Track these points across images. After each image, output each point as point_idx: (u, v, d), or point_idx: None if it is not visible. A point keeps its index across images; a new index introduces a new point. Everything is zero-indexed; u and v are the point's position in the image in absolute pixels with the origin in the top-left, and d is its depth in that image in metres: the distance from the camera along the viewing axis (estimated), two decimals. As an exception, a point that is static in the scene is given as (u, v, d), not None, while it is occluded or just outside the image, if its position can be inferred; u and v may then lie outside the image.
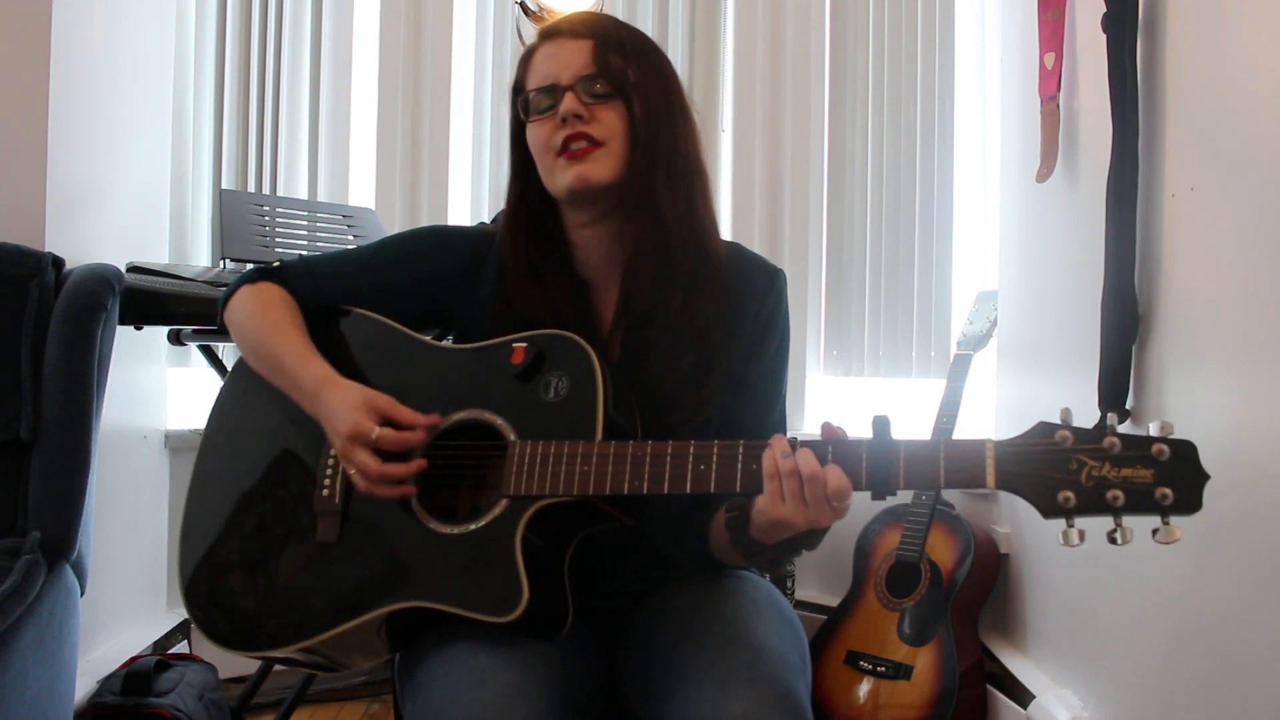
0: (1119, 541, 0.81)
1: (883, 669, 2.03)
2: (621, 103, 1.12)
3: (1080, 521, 0.82)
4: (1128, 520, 0.81)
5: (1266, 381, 1.17)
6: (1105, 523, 0.82)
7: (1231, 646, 1.24)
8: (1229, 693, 1.25)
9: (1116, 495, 0.80)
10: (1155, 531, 0.80)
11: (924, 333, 2.57)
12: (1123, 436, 0.82)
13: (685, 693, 0.97)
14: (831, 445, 0.92)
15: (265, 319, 1.18)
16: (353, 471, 1.05)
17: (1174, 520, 0.80)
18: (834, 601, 2.26)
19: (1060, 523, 0.83)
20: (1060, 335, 1.83)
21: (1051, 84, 1.76)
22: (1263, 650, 1.17)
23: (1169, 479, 0.80)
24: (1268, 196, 1.16)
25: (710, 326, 1.14)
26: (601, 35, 1.14)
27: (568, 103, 1.10)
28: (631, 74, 1.13)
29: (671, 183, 1.13)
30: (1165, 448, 0.80)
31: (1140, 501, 0.80)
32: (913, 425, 2.31)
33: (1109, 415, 0.84)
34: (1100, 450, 0.82)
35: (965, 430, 2.21)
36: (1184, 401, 1.36)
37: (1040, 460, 0.83)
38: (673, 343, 1.13)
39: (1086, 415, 1.49)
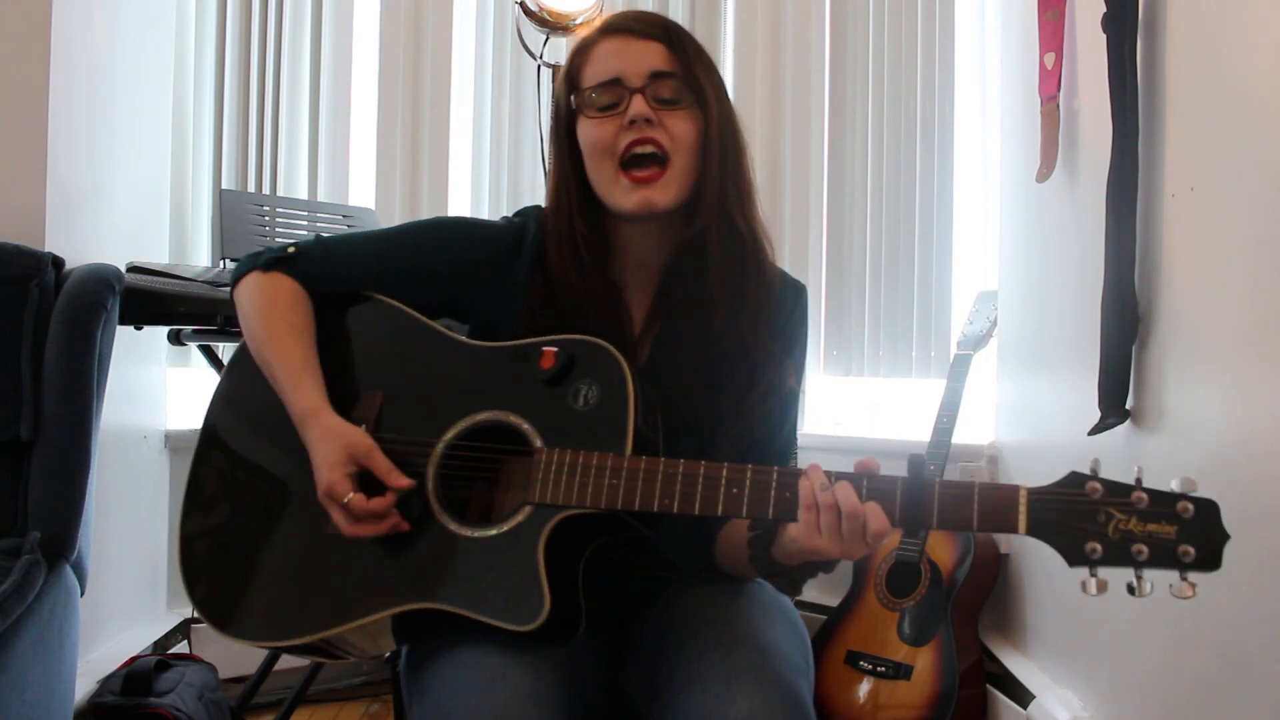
0: (1137, 594, 0.83)
1: (883, 669, 2.03)
2: (693, 112, 1.10)
3: (1102, 571, 0.85)
4: (1148, 573, 0.84)
5: (1267, 382, 1.17)
6: (1124, 573, 0.84)
7: (1232, 647, 1.24)
8: (1229, 693, 1.25)
9: (1141, 549, 0.83)
10: (1171, 586, 0.82)
11: (924, 333, 2.56)
12: (1150, 492, 0.84)
13: (690, 693, 0.97)
14: (866, 479, 0.91)
15: (267, 321, 1.16)
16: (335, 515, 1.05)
17: (1191, 576, 0.82)
18: (834, 601, 2.26)
19: (1083, 571, 0.85)
20: (1060, 335, 1.82)
21: (1051, 84, 1.76)
22: (1263, 651, 1.17)
23: (1191, 536, 0.82)
24: (1268, 196, 1.16)
25: (744, 343, 1.13)
26: (674, 39, 1.11)
27: (637, 105, 1.07)
28: (705, 83, 1.11)
29: (742, 200, 1.12)
30: (1190, 505, 0.82)
31: (1163, 557, 0.83)
32: (913, 425, 2.31)
33: (1137, 467, 0.85)
34: (1128, 504, 0.84)
35: (965, 431, 2.21)
36: (1184, 402, 1.36)
37: (1070, 511, 0.85)
38: (704, 355, 1.12)
39: (1087, 415, 1.50)
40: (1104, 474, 0.86)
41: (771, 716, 0.93)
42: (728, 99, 1.15)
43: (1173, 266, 1.40)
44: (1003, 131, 2.28)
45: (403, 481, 1.04)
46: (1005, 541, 2.17)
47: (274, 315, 1.16)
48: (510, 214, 1.27)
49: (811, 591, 2.53)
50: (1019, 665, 2.00)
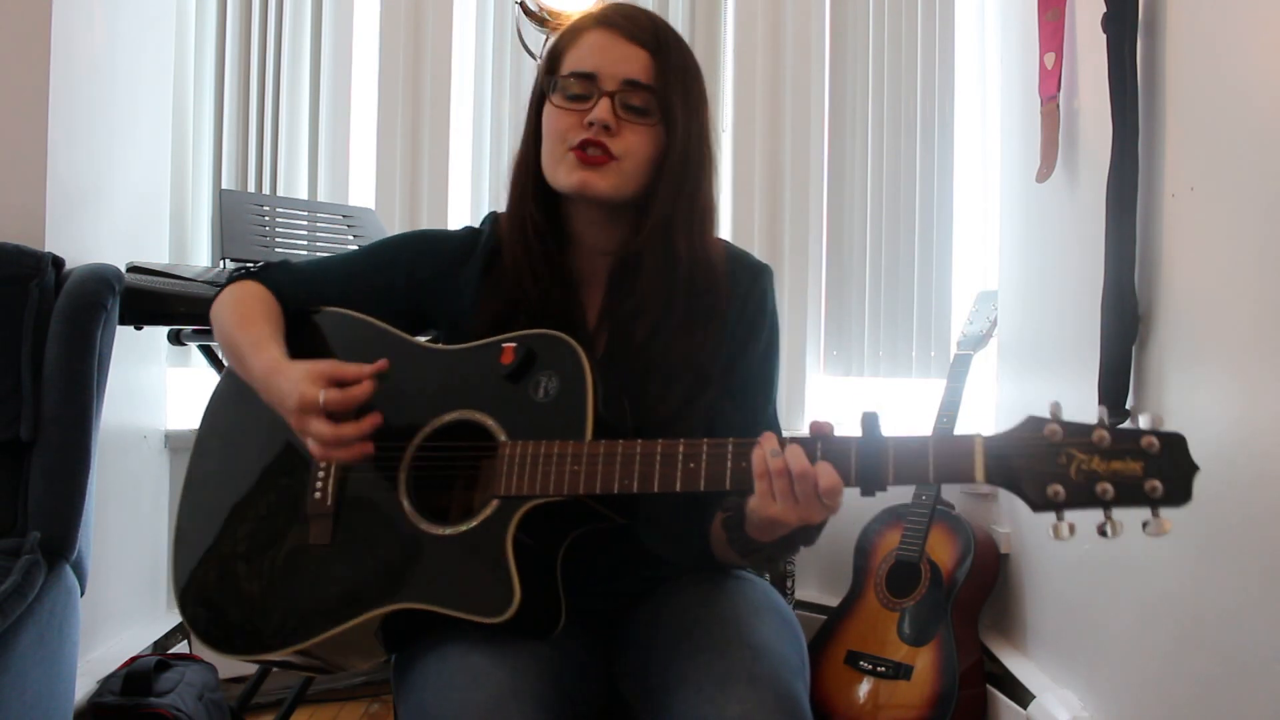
0: (1109, 534, 0.81)
1: (883, 669, 2.03)
2: (656, 130, 1.10)
3: (1070, 515, 0.82)
4: (1117, 513, 0.81)
5: (1267, 382, 1.17)
6: (1096, 516, 0.82)
7: (1233, 647, 1.24)
8: (1231, 693, 1.25)
9: (1105, 488, 0.80)
10: (1145, 524, 0.80)
11: (924, 333, 2.56)
12: (1112, 430, 0.82)
13: (684, 694, 0.97)
14: (820, 442, 0.91)
15: (235, 313, 1.18)
16: (309, 442, 1.03)
17: (1164, 512, 0.80)
18: (834, 601, 2.26)
19: (1050, 516, 0.83)
20: (1060, 335, 1.82)
21: (1051, 84, 1.76)
22: (1265, 651, 1.17)
23: (1159, 471, 0.80)
24: (1268, 196, 1.16)
25: (699, 339, 1.13)
26: (661, 51, 1.11)
27: (602, 109, 1.07)
28: (677, 106, 1.10)
29: (690, 223, 1.12)
30: (1155, 440, 0.80)
31: (1130, 494, 0.80)
32: (913, 426, 2.31)
33: (1100, 409, 0.84)
34: (1089, 444, 0.82)
35: (965, 431, 2.20)
36: (1184, 402, 1.36)
37: (1029, 454, 0.83)
38: (649, 351, 1.13)
39: (1086, 416, 1.49)
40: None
41: (767, 718, 0.93)
42: (703, 118, 1.14)
43: (1173, 266, 1.40)
44: (1003, 131, 2.28)
45: (377, 366, 1.05)
46: (1005, 541, 2.17)
47: (242, 307, 1.19)
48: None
49: (811, 591, 2.53)
50: (1019, 665, 2.00)
